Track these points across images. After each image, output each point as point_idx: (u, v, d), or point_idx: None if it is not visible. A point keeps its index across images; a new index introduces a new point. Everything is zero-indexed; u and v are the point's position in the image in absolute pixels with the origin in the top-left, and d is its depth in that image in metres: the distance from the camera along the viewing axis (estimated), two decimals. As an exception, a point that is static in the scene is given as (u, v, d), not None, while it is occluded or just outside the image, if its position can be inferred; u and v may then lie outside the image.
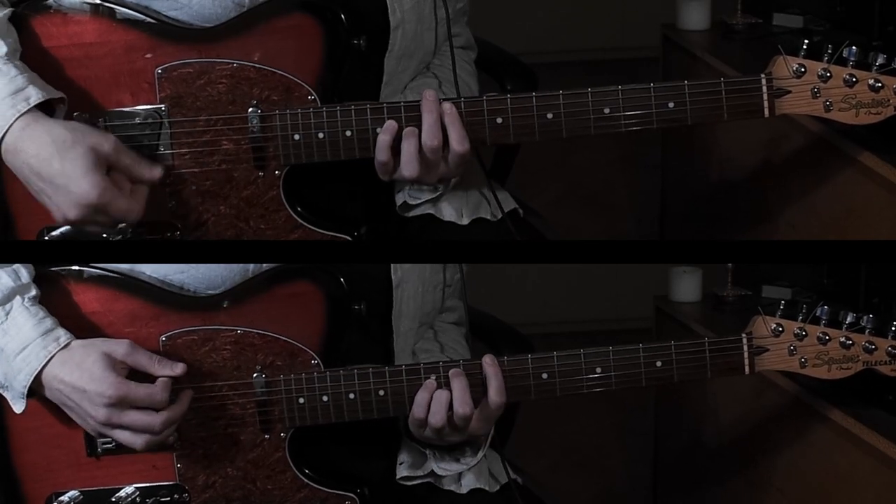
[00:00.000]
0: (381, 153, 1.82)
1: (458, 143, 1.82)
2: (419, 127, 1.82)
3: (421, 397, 1.83)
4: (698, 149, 2.73)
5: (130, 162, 1.78)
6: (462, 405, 1.83)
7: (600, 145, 3.47)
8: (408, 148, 1.82)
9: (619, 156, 3.54)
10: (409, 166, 1.82)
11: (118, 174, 1.77)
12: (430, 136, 1.82)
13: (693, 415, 2.73)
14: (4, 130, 1.74)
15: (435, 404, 1.83)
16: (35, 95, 1.74)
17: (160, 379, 1.79)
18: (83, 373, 1.77)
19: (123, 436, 1.80)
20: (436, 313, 2.02)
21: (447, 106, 1.82)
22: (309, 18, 1.83)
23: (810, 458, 2.34)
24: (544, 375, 1.87)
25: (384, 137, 1.82)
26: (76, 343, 1.80)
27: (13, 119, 1.73)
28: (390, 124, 1.82)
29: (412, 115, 1.82)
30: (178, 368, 1.81)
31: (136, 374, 1.80)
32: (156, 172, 1.80)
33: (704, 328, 2.60)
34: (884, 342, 1.90)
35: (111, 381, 1.77)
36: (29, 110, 1.73)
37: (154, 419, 1.78)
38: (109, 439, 1.82)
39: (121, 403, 1.77)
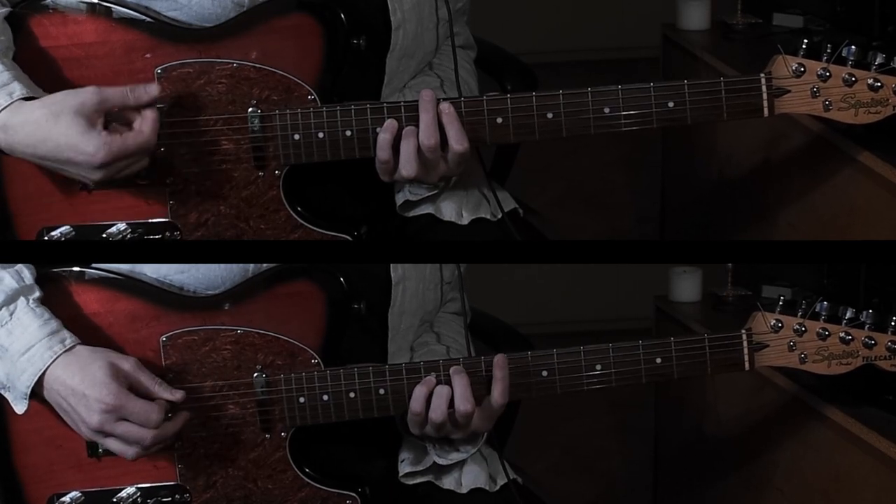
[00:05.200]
0: (382, 152, 1.82)
1: (457, 142, 1.82)
2: (419, 126, 1.83)
3: (419, 392, 1.83)
4: (698, 149, 2.73)
5: (120, 98, 1.76)
6: (463, 402, 1.83)
7: (600, 145, 3.47)
8: (406, 147, 1.82)
9: (619, 156, 3.54)
10: (408, 165, 1.83)
11: (117, 118, 1.76)
12: (427, 135, 1.82)
13: (693, 415, 2.73)
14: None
15: (436, 399, 1.83)
16: (19, 91, 1.74)
17: (157, 400, 1.79)
18: (85, 376, 1.77)
19: (114, 445, 1.79)
20: (437, 311, 2.02)
21: (445, 105, 1.83)
22: (309, 18, 1.83)
23: (810, 458, 2.34)
24: (544, 373, 1.87)
25: (385, 136, 1.82)
26: (83, 348, 1.80)
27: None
28: (391, 123, 1.82)
29: (412, 114, 1.83)
30: (178, 395, 1.80)
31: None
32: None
33: (704, 328, 2.59)
34: (883, 337, 1.90)
35: (112, 389, 1.76)
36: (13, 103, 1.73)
37: (146, 434, 1.78)
38: (110, 440, 1.83)
39: (116, 412, 1.76)
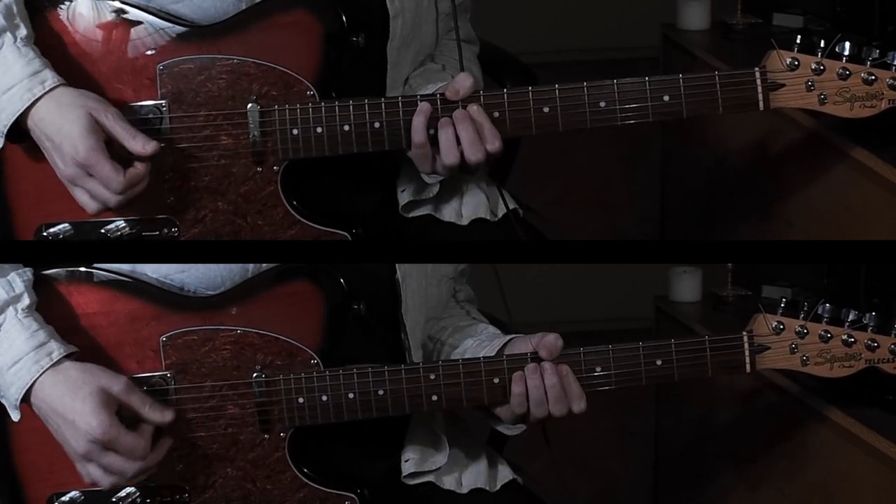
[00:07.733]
0: (418, 135, 1.83)
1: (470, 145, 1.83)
2: (428, 122, 1.83)
3: (417, 121, 1.82)
4: (698, 148, 2.74)
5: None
6: (474, 152, 1.83)
7: (600, 145, 3.48)
8: (445, 136, 1.82)
9: (618, 155, 3.55)
10: (449, 154, 1.83)
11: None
12: (472, 152, 1.83)
13: (694, 416, 2.73)
14: (14, 117, 1.76)
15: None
16: (51, 79, 1.76)
17: (146, 429, 1.78)
18: (75, 402, 1.74)
19: (95, 471, 1.77)
20: (443, 306, 2.02)
21: (474, 108, 1.83)
22: (308, 14, 1.84)
23: (810, 458, 2.34)
24: (545, 374, 1.87)
25: (419, 118, 1.83)
26: (73, 366, 1.78)
27: (30, 101, 1.75)
28: (425, 105, 1.83)
29: (409, 109, 1.83)
30: (168, 416, 1.79)
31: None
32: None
33: (704, 328, 2.60)
34: (886, 340, 1.89)
35: (102, 421, 1.73)
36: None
37: (129, 467, 1.76)
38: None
39: (104, 445, 1.74)
